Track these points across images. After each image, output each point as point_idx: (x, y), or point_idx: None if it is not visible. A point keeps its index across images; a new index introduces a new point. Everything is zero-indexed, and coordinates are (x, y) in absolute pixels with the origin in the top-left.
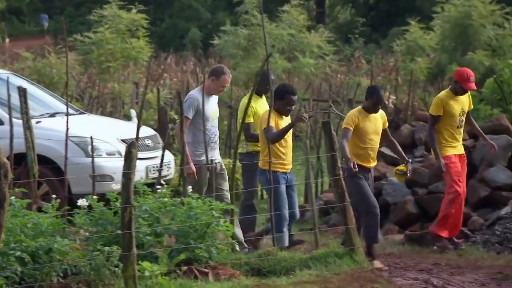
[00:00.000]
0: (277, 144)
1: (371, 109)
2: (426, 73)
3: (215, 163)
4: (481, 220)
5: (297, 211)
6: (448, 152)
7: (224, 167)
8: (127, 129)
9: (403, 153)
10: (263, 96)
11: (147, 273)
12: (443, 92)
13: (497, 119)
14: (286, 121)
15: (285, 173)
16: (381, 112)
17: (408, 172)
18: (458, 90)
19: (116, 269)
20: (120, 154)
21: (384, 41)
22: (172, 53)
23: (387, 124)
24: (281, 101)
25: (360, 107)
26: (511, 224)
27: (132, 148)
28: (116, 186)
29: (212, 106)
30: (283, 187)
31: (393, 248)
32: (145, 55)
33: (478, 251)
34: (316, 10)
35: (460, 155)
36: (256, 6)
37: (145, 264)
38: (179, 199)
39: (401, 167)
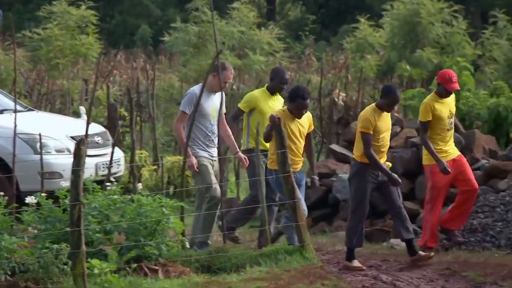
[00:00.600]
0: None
1: (385, 107)
2: (376, 70)
3: (213, 161)
4: None
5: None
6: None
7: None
8: (77, 126)
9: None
10: (277, 96)
11: (96, 271)
12: (428, 97)
13: None
14: (298, 123)
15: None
16: None
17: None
18: (443, 92)
19: (65, 266)
20: (69, 151)
21: (334, 39)
22: (122, 50)
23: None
24: (292, 103)
25: (373, 105)
26: None
27: (81, 145)
28: (65, 184)
29: (214, 103)
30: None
31: (343, 244)
32: (94, 52)
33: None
34: (267, 7)
35: (454, 159)
36: (206, 3)
37: (94, 261)
38: (129, 196)
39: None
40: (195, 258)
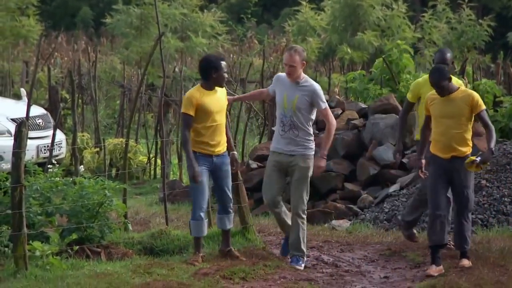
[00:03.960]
0: (204, 121)
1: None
2: (317, 53)
3: (288, 156)
4: (370, 197)
5: (230, 194)
6: None
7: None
8: (17, 108)
9: (490, 142)
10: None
11: (38, 253)
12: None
13: (386, 98)
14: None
15: (209, 155)
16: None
17: (476, 159)
18: None
19: (6, 249)
20: (10, 134)
21: (276, 22)
22: (63, 32)
23: (479, 108)
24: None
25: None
26: (399, 202)
27: (22, 127)
28: (6, 166)
29: (288, 92)
30: (201, 170)
31: None
32: (35, 34)
33: (367, 228)
34: None
35: None
36: None
37: (36, 244)
38: (71, 179)
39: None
40: (137, 240)
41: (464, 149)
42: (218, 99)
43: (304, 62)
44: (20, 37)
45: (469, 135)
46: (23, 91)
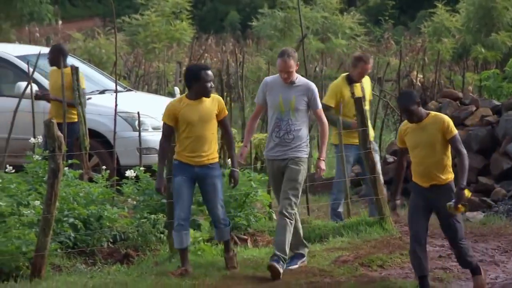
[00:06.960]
0: (184, 132)
1: None
2: (452, 53)
3: (280, 161)
4: (504, 191)
5: (218, 211)
6: None
7: (296, 167)
8: None
9: (462, 176)
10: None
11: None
12: None
13: None
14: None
15: (188, 164)
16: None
17: (451, 204)
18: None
19: (162, 235)
20: None
21: (412, 23)
22: (212, 35)
23: (451, 133)
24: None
25: None
26: None
27: None
28: None
29: (283, 94)
30: (177, 180)
31: None
32: (187, 36)
33: (500, 220)
34: None
35: None
36: None
37: None
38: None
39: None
40: None
41: (443, 176)
42: (202, 110)
43: (298, 63)
44: (174, 39)
45: (447, 162)
46: (176, 90)
